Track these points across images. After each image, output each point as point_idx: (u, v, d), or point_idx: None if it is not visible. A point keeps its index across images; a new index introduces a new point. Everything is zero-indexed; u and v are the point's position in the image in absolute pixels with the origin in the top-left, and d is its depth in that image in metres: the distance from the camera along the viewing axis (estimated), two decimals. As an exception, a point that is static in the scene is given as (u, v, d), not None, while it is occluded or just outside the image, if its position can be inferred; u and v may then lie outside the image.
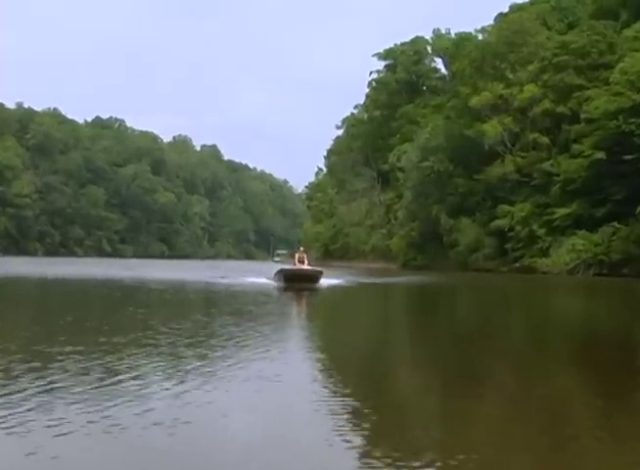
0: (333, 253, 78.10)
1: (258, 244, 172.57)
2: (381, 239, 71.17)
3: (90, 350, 5.70)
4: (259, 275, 24.18)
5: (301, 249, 20.81)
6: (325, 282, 19.66)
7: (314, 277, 19.08)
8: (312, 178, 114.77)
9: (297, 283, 18.24)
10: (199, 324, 7.19)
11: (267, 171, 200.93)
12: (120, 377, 4.66)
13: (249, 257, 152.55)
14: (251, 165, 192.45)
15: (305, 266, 19.53)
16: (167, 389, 4.44)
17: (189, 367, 5.04)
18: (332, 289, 19.33)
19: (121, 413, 3.87)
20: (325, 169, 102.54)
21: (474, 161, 54.95)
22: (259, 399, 4.28)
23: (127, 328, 6.70)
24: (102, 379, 4.53)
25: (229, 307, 10.83)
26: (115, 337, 5.92)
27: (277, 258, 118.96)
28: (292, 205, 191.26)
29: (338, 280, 22.17)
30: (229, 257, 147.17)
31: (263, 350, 5.77)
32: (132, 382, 4.60)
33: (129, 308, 10.39)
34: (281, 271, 19.40)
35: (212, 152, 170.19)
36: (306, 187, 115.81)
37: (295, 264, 19.79)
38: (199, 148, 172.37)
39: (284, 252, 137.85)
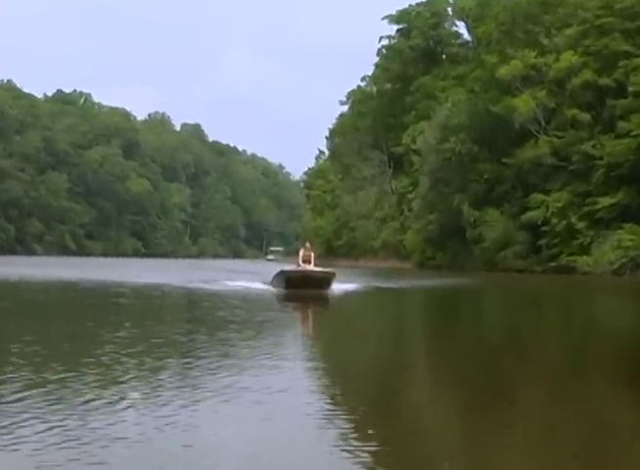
0: (336, 250, 78.16)
1: (249, 240, 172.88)
2: (392, 234, 71.21)
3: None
4: (252, 278, 23.89)
5: (308, 245, 19.43)
6: (337, 287, 18.74)
7: (324, 281, 17.99)
8: (312, 163, 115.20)
9: (302, 288, 17.15)
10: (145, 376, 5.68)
11: (259, 155, 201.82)
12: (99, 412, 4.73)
13: (238, 255, 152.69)
14: (240, 148, 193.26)
15: (313, 267, 18.35)
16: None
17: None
18: (346, 296, 18.41)
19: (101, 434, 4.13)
20: (327, 153, 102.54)
21: (502, 142, 54.88)
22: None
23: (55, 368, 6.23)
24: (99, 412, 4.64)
25: (208, 334, 8.76)
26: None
27: (271, 257, 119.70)
28: (288, 194, 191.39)
29: (351, 285, 21.15)
30: (215, 255, 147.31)
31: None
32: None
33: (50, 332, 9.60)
34: (282, 274, 18.29)
35: (195, 132, 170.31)
36: (305, 173, 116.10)
37: (299, 265, 18.70)
38: (179, 127, 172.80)
39: (279, 249, 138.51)
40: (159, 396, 5.06)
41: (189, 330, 9.36)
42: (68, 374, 5.83)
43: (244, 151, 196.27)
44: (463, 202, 56.17)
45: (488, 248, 53.32)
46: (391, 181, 76.35)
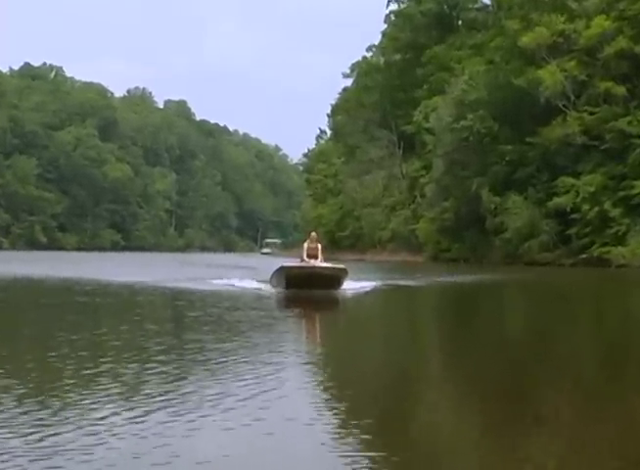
0: (340, 242, 78.19)
1: (242, 231, 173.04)
2: (403, 223, 71.21)
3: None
4: (245, 275, 23.67)
5: (314, 235, 18.37)
6: (349, 287, 17.96)
7: (334, 280, 17.06)
8: (312, 144, 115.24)
9: (307, 288, 16.31)
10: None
11: (253, 135, 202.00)
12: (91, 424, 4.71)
13: (229, 248, 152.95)
14: (231, 128, 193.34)
15: (320, 263, 17.40)
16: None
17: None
18: (361, 298, 17.38)
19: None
20: (329, 132, 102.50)
21: (526, 119, 54.64)
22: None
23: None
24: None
25: (185, 348, 8.09)
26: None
27: (266, 250, 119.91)
28: (285, 179, 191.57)
29: (366, 283, 20.11)
30: (203, 248, 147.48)
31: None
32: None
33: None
34: (282, 271, 17.25)
35: (180, 110, 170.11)
36: (304, 156, 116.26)
37: (303, 260, 17.67)
38: (161, 104, 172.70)
39: (275, 241, 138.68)
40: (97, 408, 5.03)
41: (157, 337, 9.06)
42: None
43: (235, 131, 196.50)
44: (482, 187, 56.06)
45: (511, 238, 53.27)
46: (402, 164, 76.24)
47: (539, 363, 8.15)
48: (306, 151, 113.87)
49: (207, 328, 10.07)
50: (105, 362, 7.17)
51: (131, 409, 5.14)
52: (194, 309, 13.49)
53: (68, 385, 6.00)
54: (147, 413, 5.03)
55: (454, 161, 59.97)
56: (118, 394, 5.70)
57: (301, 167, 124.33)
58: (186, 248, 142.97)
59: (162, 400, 5.45)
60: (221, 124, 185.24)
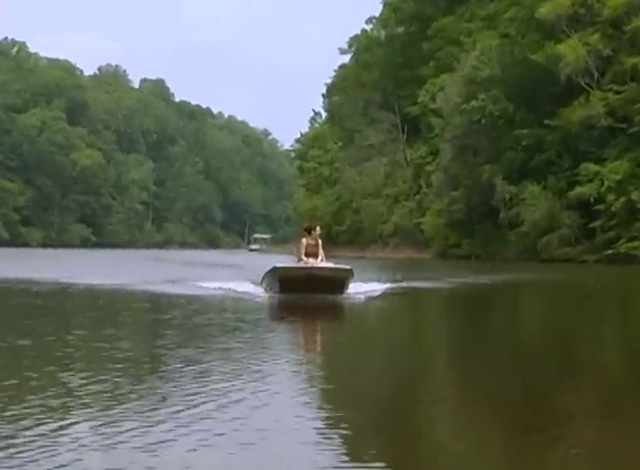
0: (337, 237, 78.03)
1: (227, 225, 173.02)
2: (407, 216, 71.30)
3: None
4: (232, 275, 23.23)
5: (318, 229, 17.18)
6: (356, 291, 17.18)
7: (337, 283, 16.21)
8: (305, 128, 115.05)
9: (305, 293, 15.53)
10: None
11: (239, 118, 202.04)
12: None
13: (213, 244, 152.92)
14: (214, 110, 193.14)
15: (321, 263, 16.61)
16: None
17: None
18: (371, 304, 16.43)
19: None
20: (324, 115, 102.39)
21: (544, 99, 54.68)
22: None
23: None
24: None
25: (140, 357, 8.05)
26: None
27: (255, 246, 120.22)
28: (275, 167, 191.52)
29: (376, 285, 19.27)
30: (184, 244, 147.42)
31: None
32: None
33: None
34: (275, 272, 16.43)
35: (158, 90, 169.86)
36: (297, 141, 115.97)
37: (300, 259, 16.81)
38: (137, 84, 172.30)
39: (265, 237, 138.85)
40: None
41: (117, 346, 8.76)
42: None
43: (219, 113, 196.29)
44: (495, 175, 56.12)
45: (527, 233, 53.35)
46: (405, 150, 76.23)
47: (563, 373, 8.04)
48: (299, 135, 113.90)
49: (176, 336, 9.67)
50: (64, 370, 7.04)
51: (76, 423, 5.09)
52: (163, 315, 13.25)
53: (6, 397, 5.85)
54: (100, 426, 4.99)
55: (464, 146, 60.04)
56: (63, 405, 5.62)
57: (293, 154, 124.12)
58: (165, 244, 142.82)
59: (114, 412, 5.40)
60: (203, 106, 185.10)
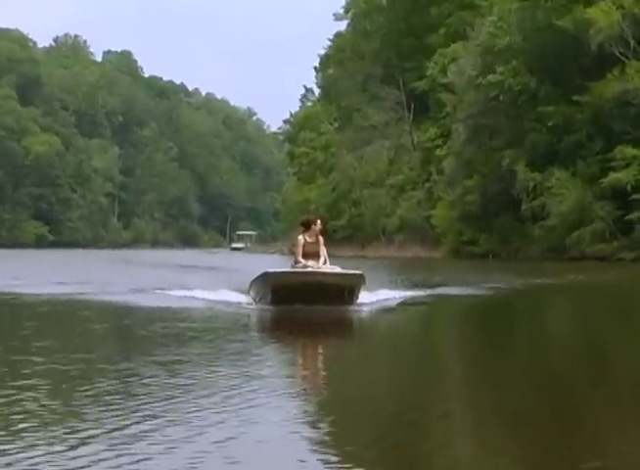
0: (333, 234, 77.89)
1: (206, 220, 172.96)
2: (415, 208, 71.31)
3: None
4: (212, 281, 22.69)
5: (319, 224, 16.34)
6: (368, 300, 16.55)
7: (345, 291, 15.39)
8: (295, 107, 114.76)
9: (303, 304, 14.93)
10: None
11: (218, 96, 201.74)
12: None
13: (190, 242, 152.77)
14: (189, 86, 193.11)
15: (324, 266, 15.84)
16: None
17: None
18: (389, 317, 15.90)
19: None
20: (317, 91, 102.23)
21: (572, 71, 54.61)
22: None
23: None
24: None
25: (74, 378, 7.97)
26: None
27: (238, 245, 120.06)
28: (261, 153, 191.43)
29: (393, 293, 18.58)
30: (156, 243, 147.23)
31: None
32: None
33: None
34: (266, 279, 15.68)
35: (124, 63, 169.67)
36: (286, 122, 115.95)
37: (298, 262, 15.89)
38: (99, 57, 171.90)
39: (250, 233, 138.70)
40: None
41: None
42: None
43: (195, 90, 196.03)
44: (516, 160, 56.06)
45: (554, 227, 53.34)
46: (412, 131, 76.20)
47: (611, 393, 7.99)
48: (288, 116, 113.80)
49: (133, 374, 8.78)
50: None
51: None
52: (120, 333, 13.10)
53: None
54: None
55: (480, 127, 59.97)
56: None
57: (282, 137, 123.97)
58: (133, 243, 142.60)
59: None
60: (177, 82, 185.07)
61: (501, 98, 57.73)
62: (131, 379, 7.85)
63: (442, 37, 70.36)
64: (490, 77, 57.75)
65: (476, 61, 60.13)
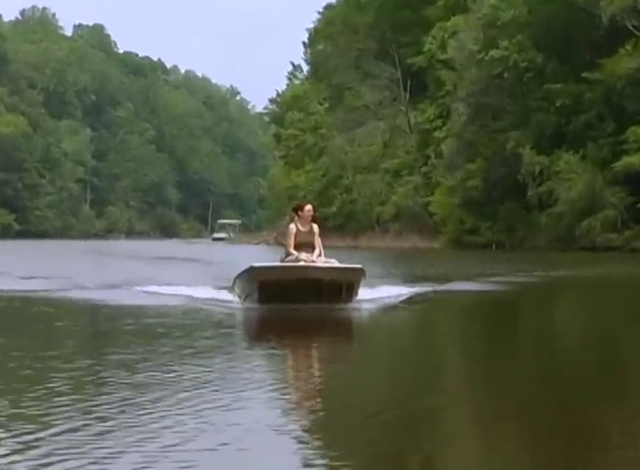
0: (324, 223, 77.79)
1: (186, 208, 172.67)
2: (412, 195, 71.34)
3: None
4: (191, 275, 22.89)
5: (307, 208, 15.79)
6: (369, 296, 16.32)
7: (342, 288, 14.95)
8: (282, 85, 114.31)
9: (295, 302, 14.48)
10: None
11: (199, 74, 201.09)
12: None
13: (168, 232, 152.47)
14: (168, 63, 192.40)
15: (318, 259, 15.31)
16: None
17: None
18: (393, 315, 15.62)
19: None
20: (306, 68, 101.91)
21: (582, 46, 54.63)
22: None
23: None
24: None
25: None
26: None
27: (220, 235, 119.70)
28: (245, 135, 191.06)
29: (398, 289, 18.41)
30: (131, 233, 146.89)
31: None
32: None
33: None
34: (252, 274, 15.11)
35: (96, 38, 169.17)
36: (271, 102, 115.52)
37: (289, 254, 15.39)
38: (69, 31, 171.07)
39: (233, 222, 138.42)
40: None
41: None
42: None
43: (174, 68, 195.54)
44: (522, 142, 56.11)
45: (562, 214, 53.45)
46: (408, 111, 76.09)
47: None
48: (274, 95, 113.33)
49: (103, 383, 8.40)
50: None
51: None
52: (82, 331, 13.02)
53: None
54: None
55: (482, 106, 60.06)
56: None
57: (267, 118, 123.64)
58: (107, 233, 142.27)
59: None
60: (154, 59, 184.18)
61: (505, 75, 57.83)
62: (87, 378, 7.97)
63: (441, 9, 70.26)
64: (493, 53, 57.74)
65: (477, 35, 60.10)
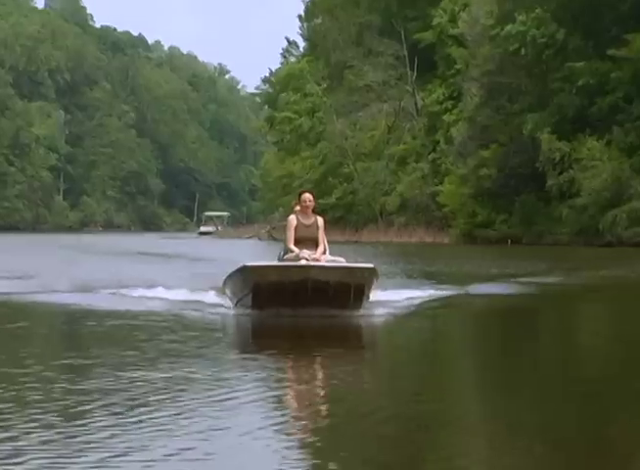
0: (322, 215, 78.03)
1: (169, 199, 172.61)
2: (419, 184, 71.33)
3: None
4: (175, 275, 22.66)
5: (306, 197, 15.22)
6: (383, 298, 16.04)
7: (352, 292, 14.33)
8: (276, 63, 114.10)
9: (295, 308, 14.08)
10: None
11: (184, 51, 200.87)
12: None
13: (150, 225, 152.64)
14: (149, 39, 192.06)
15: (323, 257, 14.79)
16: None
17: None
18: (413, 324, 14.95)
19: None
20: (302, 45, 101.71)
21: (607, 21, 54.61)
22: None
23: None
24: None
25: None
26: None
27: (207, 229, 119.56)
28: (235, 118, 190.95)
29: (409, 291, 17.96)
30: (109, 226, 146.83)
31: None
32: None
33: None
34: (245, 274, 14.55)
35: (70, 11, 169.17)
36: (265, 82, 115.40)
37: (290, 250, 14.87)
38: (42, 4, 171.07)
39: (221, 214, 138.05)
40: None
41: None
42: None
43: (156, 44, 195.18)
44: (541, 127, 56.03)
45: (585, 206, 53.42)
46: (416, 92, 76.04)
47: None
48: (267, 74, 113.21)
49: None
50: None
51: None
52: (38, 335, 13.06)
53: None
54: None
55: (497, 87, 60.00)
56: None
57: (260, 100, 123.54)
58: (82, 226, 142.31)
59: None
60: (134, 34, 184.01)
61: (522, 52, 57.68)
62: (35, 384, 7.95)
63: (452, -21, 70.27)
64: (509, 28, 57.80)
65: (492, 8, 60.17)
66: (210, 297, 16.52)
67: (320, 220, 15.05)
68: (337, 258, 14.92)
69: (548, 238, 54.57)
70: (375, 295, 15.37)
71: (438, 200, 67.16)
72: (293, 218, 14.84)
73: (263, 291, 14.10)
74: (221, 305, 15.54)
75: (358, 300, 14.44)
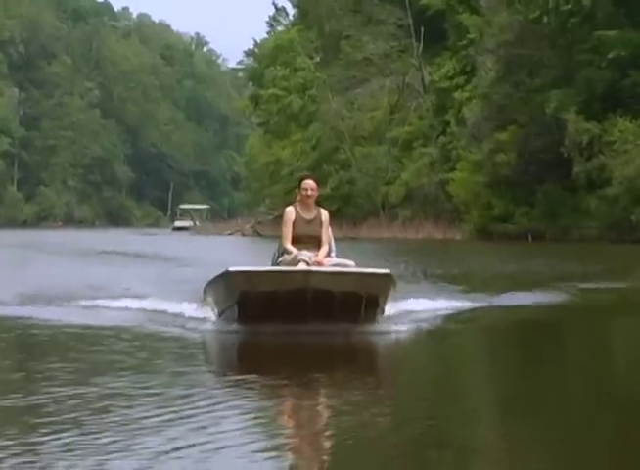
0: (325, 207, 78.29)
1: (139, 190, 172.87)
2: (426, 172, 71.54)
3: None
4: (147, 282, 22.21)
5: (308, 183, 14.41)
6: (397, 309, 15.38)
7: (361, 302, 13.48)
8: (262, 34, 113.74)
9: (293, 322, 13.12)
10: None
11: (155, 19, 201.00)
12: None
13: (117, 220, 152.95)
14: (116, 5, 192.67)
15: (326, 260, 14.04)
16: None
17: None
18: (434, 343, 14.32)
19: None
20: (292, 12, 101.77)
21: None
22: None
23: None
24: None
25: None
26: None
27: (183, 223, 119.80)
28: (215, 96, 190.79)
29: (430, 302, 17.24)
30: (70, 221, 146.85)
31: None
32: None
33: None
34: (229, 280, 13.58)
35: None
36: (248, 54, 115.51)
37: (285, 251, 14.14)
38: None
39: (199, 207, 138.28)
40: None
41: None
42: None
43: (124, 11, 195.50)
44: (566, 105, 56.10)
45: (617, 196, 53.49)
46: (422, 66, 76.13)
47: None
48: (252, 45, 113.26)
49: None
50: None
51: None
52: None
53: None
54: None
55: (515, 60, 60.14)
56: None
57: (243, 75, 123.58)
58: (39, 221, 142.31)
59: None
60: (99, 0, 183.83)
61: (545, 20, 57.78)
62: None
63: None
64: (529, -7, 57.94)
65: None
66: (186, 307, 15.88)
67: (324, 214, 14.28)
68: (344, 262, 14.23)
69: (575, 233, 54.65)
70: (391, 306, 14.83)
71: (449, 190, 67.29)
72: (290, 211, 14.13)
73: (252, 302, 13.32)
74: (200, 319, 14.82)
75: (371, 313, 13.75)
